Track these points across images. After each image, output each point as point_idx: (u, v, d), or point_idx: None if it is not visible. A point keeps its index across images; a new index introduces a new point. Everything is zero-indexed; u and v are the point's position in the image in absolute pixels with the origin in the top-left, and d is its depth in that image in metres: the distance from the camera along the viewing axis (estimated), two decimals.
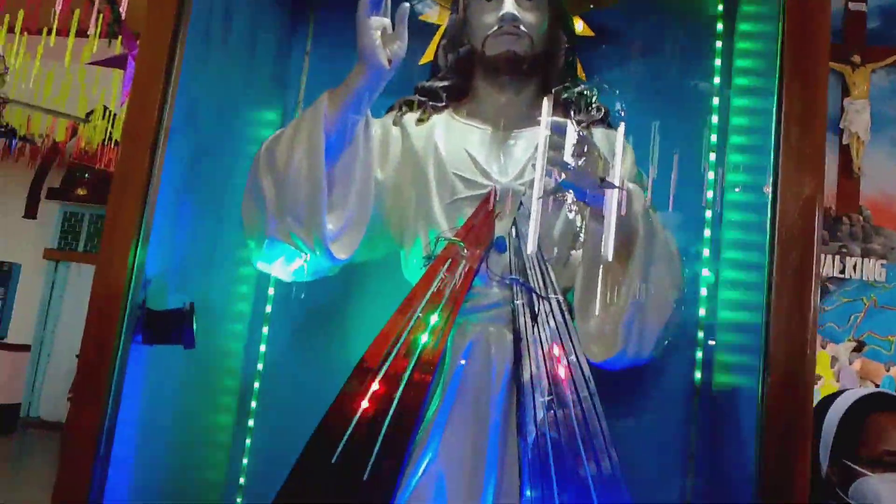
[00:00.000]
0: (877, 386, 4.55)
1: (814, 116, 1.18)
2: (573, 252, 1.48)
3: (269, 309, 1.85)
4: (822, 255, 5.75)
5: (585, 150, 1.36)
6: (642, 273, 1.35)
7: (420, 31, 1.87)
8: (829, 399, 1.30)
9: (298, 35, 1.98)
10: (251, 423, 1.82)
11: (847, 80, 6.57)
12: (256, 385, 1.83)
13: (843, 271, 5.42)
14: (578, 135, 1.38)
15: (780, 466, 1.08)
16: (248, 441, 1.82)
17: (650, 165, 1.65)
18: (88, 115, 6.22)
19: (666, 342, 1.46)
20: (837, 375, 4.43)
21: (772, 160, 1.18)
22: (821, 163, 1.17)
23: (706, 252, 1.72)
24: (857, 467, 1.17)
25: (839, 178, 6.49)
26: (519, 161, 1.50)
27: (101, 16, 5.07)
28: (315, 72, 1.97)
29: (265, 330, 1.84)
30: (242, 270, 1.81)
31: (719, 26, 1.84)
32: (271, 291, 1.85)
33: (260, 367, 1.83)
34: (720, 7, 1.84)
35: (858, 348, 4.67)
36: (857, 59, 6.54)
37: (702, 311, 1.69)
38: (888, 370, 4.59)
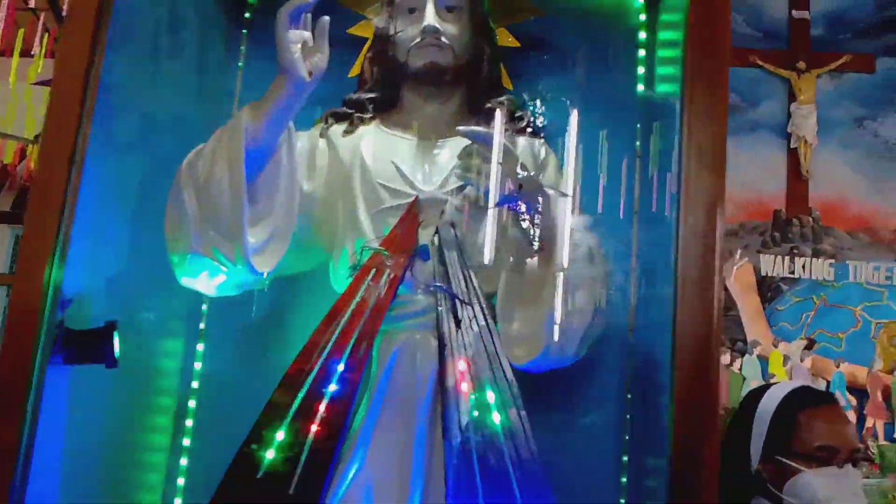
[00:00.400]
0: (827, 382, 4.66)
1: (715, 114, 1.22)
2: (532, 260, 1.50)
3: (202, 325, 1.85)
4: (774, 257, 5.91)
5: (505, 158, 1.40)
6: (563, 276, 1.38)
7: (351, 45, 1.90)
8: (757, 393, 1.33)
9: (232, 50, 2.00)
10: (187, 442, 1.81)
11: (793, 85, 6.73)
12: (192, 403, 1.82)
13: (793, 271, 5.55)
14: (494, 143, 1.42)
15: (687, 459, 1.12)
16: (183, 461, 1.80)
17: (579, 171, 1.69)
18: (37, 136, 6.13)
19: (591, 343, 1.49)
20: (790, 374, 4.53)
21: (675, 159, 1.22)
22: (722, 159, 1.22)
23: (634, 254, 1.76)
24: (792, 463, 1.20)
25: (788, 180, 6.62)
26: (444, 169, 1.52)
27: (48, 34, 5.01)
28: (249, 87, 1.98)
29: (200, 347, 1.84)
30: (175, 286, 1.81)
31: (642, 35, 1.89)
32: (205, 307, 1.85)
33: (195, 384, 1.83)
34: (642, 16, 1.90)
35: (809, 346, 4.77)
36: (802, 65, 6.70)
37: (632, 312, 1.73)
38: (838, 366, 4.70)
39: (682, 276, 1.17)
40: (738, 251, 6.10)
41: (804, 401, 1.27)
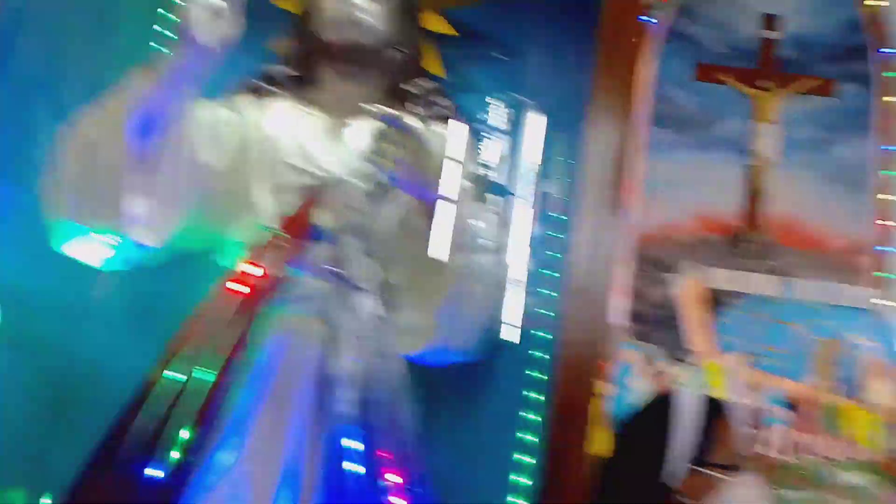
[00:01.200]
0: (763, 394, 4.64)
1: (620, 116, 1.16)
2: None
3: (91, 300, 1.72)
4: (725, 271, 5.87)
5: (416, 145, 1.32)
6: (461, 267, 1.31)
7: (277, 17, 1.80)
8: (660, 402, 1.25)
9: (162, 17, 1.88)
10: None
11: (758, 104, 6.74)
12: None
13: (741, 287, 5.54)
14: (407, 129, 1.34)
15: (559, 462, 1.06)
16: None
17: (513, 169, 1.61)
18: None
19: (490, 339, 1.41)
20: (729, 386, 4.51)
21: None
22: (623, 166, 1.15)
23: (555, 254, 1.69)
24: (721, 475, 1.13)
25: (746, 197, 6.61)
26: (353, 151, 1.44)
27: None
28: None
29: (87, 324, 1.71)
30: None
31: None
32: (99, 278, 1.72)
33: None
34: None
35: (749, 360, 4.75)
36: (768, 84, 6.70)
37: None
38: (776, 381, 4.68)
39: (570, 284, 1.10)
40: (691, 264, 6.10)
41: (714, 412, 1.20)
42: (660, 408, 1.28)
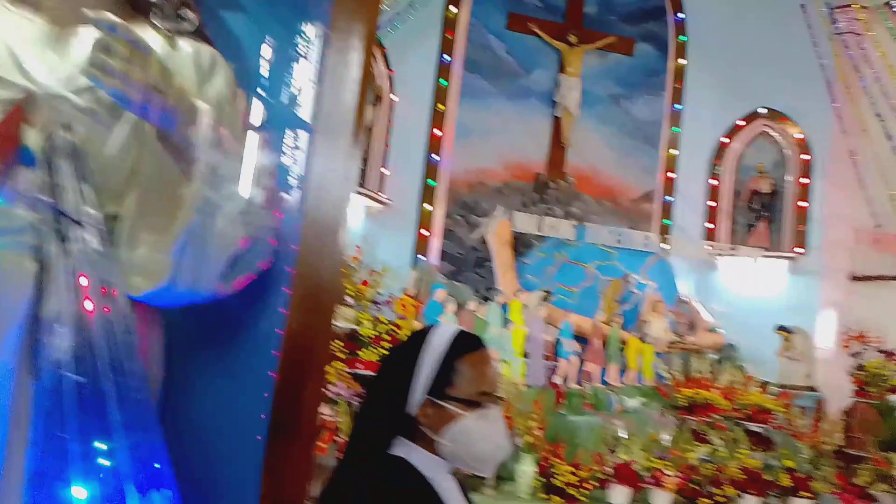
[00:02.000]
0: (557, 328, 4.99)
1: (354, 49, 1.07)
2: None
3: None
4: (528, 215, 6.20)
5: (148, 60, 1.14)
6: (203, 199, 1.17)
7: None
8: (420, 335, 1.22)
9: None
10: None
11: (563, 57, 7.02)
12: None
13: (541, 229, 5.88)
14: (136, 41, 1.16)
15: (289, 396, 0.99)
16: None
17: (260, 86, 1.48)
18: None
19: (239, 276, 1.30)
20: (526, 321, 4.79)
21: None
22: (361, 100, 1.07)
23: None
24: (456, 409, 1.11)
25: (550, 147, 6.95)
26: (74, 63, 1.23)
27: None
28: None
29: None
30: None
31: None
32: None
33: None
34: None
35: (545, 297, 5.07)
36: (573, 38, 6.98)
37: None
38: (567, 316, 5.05)
39: (305, 216, 1.02)
40: (500, 208, 6.33)
41: (462, 346, 1.19)
42: (415, 341, 1.27)
